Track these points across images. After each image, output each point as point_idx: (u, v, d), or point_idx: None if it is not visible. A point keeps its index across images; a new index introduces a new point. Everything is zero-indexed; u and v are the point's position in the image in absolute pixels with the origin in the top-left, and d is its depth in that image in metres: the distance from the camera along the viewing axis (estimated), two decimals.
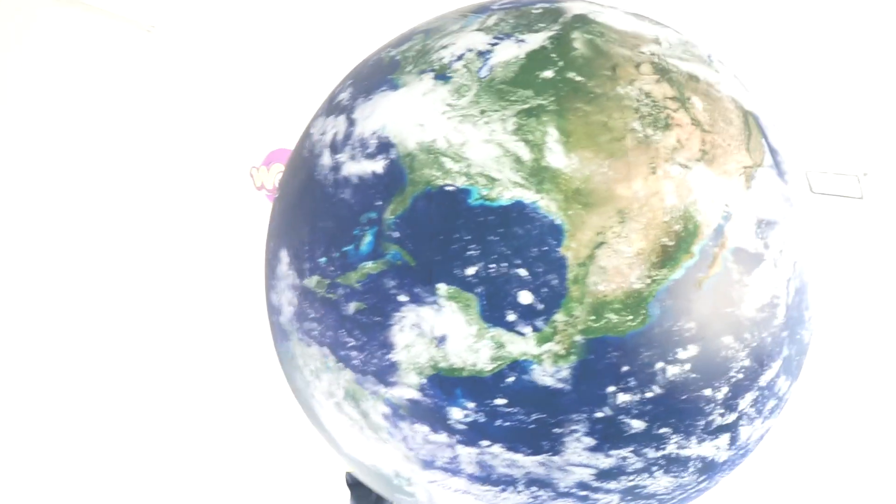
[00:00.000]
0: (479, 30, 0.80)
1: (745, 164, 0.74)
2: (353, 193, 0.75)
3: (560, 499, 0.75)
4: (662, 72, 0.75)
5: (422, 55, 0.80)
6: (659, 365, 0.69)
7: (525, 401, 0.69)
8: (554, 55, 0.75)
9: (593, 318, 0.67)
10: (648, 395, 0.69)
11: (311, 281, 0.78)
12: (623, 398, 0.69)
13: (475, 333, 0.68)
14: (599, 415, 0.69)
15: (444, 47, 0.79)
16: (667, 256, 0.68)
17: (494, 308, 0.68)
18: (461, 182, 0.69)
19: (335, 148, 0.80)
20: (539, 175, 0.68)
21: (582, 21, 0.79)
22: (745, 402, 0.75)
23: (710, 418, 0.73)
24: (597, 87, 0.72)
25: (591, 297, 0.67)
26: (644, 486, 0.76)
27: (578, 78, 0.72)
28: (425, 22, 0.89)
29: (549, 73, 0.73)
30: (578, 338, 0.67)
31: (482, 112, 0.71)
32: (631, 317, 0.67)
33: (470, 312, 0.68)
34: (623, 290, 0.67)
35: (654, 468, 0.74)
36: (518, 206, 0.68)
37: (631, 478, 0.74)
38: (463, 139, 0.71)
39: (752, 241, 0.72)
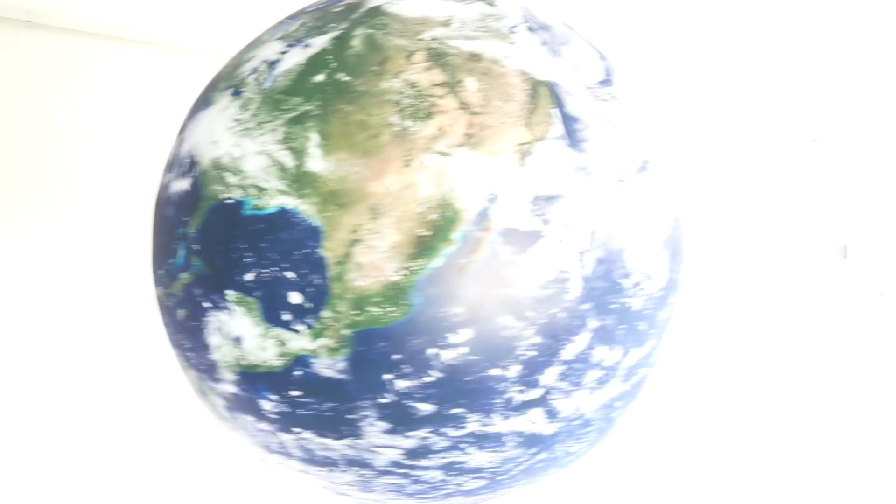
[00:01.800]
0: (280, 38, 0.83)
1: (522, 141, 0.73)
2: (174, 209, 0.82)
3: (384, 476, 0.80)
4: (437, 57, 0.75)
5: (232, 70, 0.85)
6: (431, 351, 0.71)
7: (315, 391, 0.74)
8: (330, 57, 0.77)
9: (356, 312, 0.70)
10: (428, 379, 0.72)
11: (158, 291, 0.87)
12: (402, 384, 0.72)
13: (261, 333, 0.74)
14: (384, 400, 0.73)
15: (249, 60, 0.83)
16: (423, 247, 0.69)
17: (272, 309, 0.73)
18: (237, 194, 0.74)
19: (169, 167, 0.87)
20: (300, 181, 0.72)
21: (371, 14, 0.80)
22: (549, 378, 0.75)
23: (508, 396, 0.74)
24: (361, 86, 0.74)
25: (352, 292, 0.70)
26: (463, 462, 0.79)
27: (346, 78, 0.74)
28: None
29: (320, 77, 0.75)
30: (346, 332, 0.71)
31: (259, 124, 0.75)
32: (392, 308, 0.70)
33: (254, 315, 0.74)
34: (381, 283, 0.69)
35: (464, 445, 0.77)
36: (282, 213, 0.72)
37: (442, 455, 0.77)
38: (241, 153, 0.75)
39: (527, 219, 0.71)
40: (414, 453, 0.77)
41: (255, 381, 0.77)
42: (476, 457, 0.79)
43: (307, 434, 0.78)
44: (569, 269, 0.73)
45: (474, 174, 0.71)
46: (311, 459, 0.81)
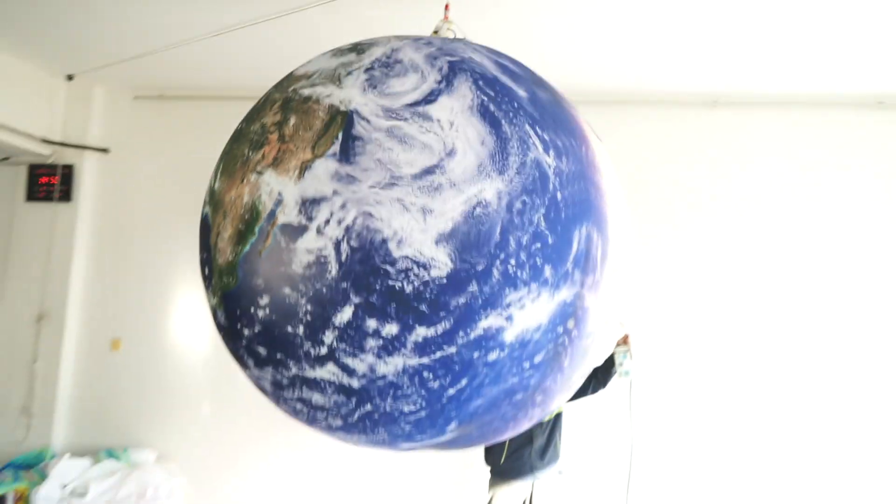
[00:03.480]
0: None
1: (304, 160, 0.98)
2: None
3: (279, 401, 1.12)
4: (285, 103, 1.06)
5: None
6: (252, 309, 1.02)
7: (225, 335, 1.12)
8: (250, 111, 1.14)
9: (221, 280, 1.07)
10: (256, 330, 1.03)
11: None
12: (246, 332, 1.05)
13: (212, 294, 1.16)
14: (244, 343, 1.07)
15: None
16: (241, 237, 1.02)
17: (207, 280, 1.14)
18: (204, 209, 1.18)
19: None
20: (211, 196, 1.12)
21: (286, 77, 1.14)
22: (329, 338, 0.97)
23: (306, 349, 0.99)
24: (245, 130, 1.09)
25: (219, 266, 1.07)
26: (308, 398, 1.05)
27: (242, 126, 1.11)
28: None
29: (239, 126, 1.14)
30: (219, 293, 1.08)
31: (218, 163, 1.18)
32: (231, 278, 1.04)
33: (208, 283, 1.16)
34: (226, 261, 1.05)
35: (297, 385, 1.04)
36: (205, 218, 1.13)
37: (292, 391, 1.06)
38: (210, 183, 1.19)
39: (296, 217, 0.97)
40: (275, 384, 1.08)
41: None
42: (313, 397, 1.05)
43: (238, 366, 1.16)
44: (327, 255, 0.95)
45: (272, 186, 1.00)
46: (257, 386, 1.18)
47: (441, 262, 0.95)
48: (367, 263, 0.95)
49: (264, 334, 1.03)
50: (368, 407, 1.04)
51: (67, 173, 2.97)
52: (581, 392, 2.24)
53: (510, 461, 2.16)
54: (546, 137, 1.03)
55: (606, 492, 2.67)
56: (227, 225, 1.05)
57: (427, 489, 2.78)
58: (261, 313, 1.02)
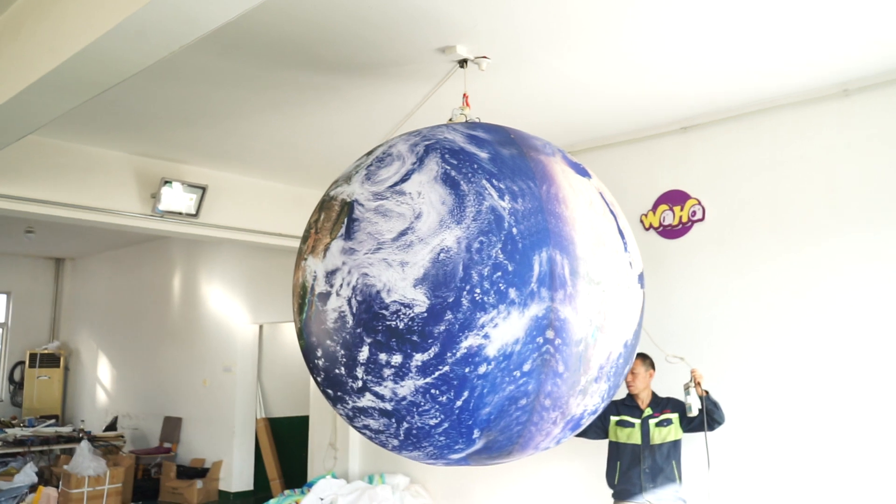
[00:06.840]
0: None
1: (325, 243, 1.33)
2: None
3: (360, 432, 1.43)
4: (321, 203, 1.42)
5: None
6: (313, 361, 1.37)
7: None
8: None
9: (300, 342, 1.43)
10: (321, 378, 1.37)
11: None
12: (319, 379, 1.39)
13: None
14: (320, 388, 1.41)
15: None
16: (300, 307, 1.38)
17: None
18: None
19: None
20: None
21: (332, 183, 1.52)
22: (360, 373, 1.28)
23: (349, 385, 1.31)
24: (315, 232, 1.47)
25: (297, 332, 1.44)
26: (368, 425, 1.35)
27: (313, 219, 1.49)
28: None
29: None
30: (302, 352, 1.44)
31: None
32: (303, 341, 1.40)
33: None
34: (297, 329, 1.41)
35: (356, 415, 1.35)
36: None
37: (356, 420, 1.37)
38: None
39: (323, 286, 1.31)
40: (347, 417, 1.39)
41: None
42: (369, 423, 1.34)
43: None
44: (345, 310, 1.27)
45: (311, 267, 1.35)
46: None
47: (420, 301, 1.21)
48: (370, 311, 1.24)
49: (325, 379, 1.37)
50: (406, 425, 1.31)
51: None
52: (699, 427, 2.20)
53: (622, 482, 2.20)
54: (502, 186, 1.27)
55: None
56: (294, 302, 1.42)
57: None
58: (318, 363, 1.36)
